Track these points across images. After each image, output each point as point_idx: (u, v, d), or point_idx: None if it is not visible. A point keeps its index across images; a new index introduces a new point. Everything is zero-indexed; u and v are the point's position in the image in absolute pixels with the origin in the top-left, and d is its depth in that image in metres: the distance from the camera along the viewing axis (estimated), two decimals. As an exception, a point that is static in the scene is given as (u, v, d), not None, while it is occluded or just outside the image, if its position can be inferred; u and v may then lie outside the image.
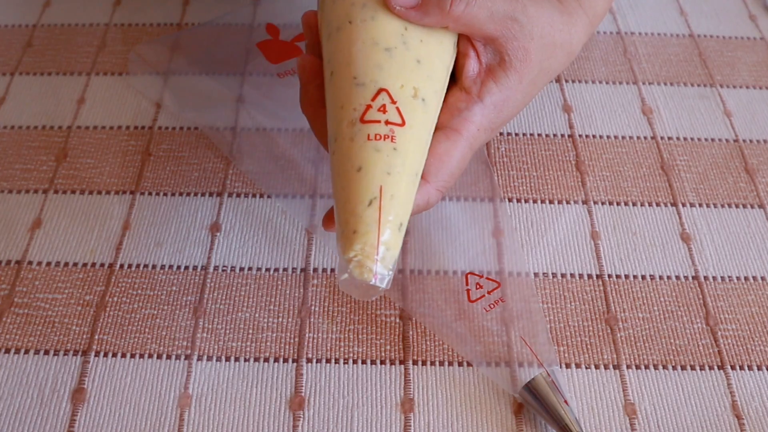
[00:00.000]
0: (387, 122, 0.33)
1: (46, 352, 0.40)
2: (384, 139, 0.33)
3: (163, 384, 0.38)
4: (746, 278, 0.43)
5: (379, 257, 0.31)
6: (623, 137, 0.50)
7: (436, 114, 0.35)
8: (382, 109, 0.33)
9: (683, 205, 0.46)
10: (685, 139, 0.50)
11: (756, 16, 0.60)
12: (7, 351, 0.40)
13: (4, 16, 0.58)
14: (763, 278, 0.43)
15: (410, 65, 0.34)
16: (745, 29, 0.59)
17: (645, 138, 0.50)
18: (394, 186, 0.32)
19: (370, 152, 0.32)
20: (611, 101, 0.52)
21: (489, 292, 0.41)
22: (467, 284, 0.41)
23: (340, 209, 0.32)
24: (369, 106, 0.33)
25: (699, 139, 0.50)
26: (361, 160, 0.32)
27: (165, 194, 0.46)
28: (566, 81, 0.53)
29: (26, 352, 0.40)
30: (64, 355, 0.39)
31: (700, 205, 0.47)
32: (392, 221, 0.32)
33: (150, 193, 0.46)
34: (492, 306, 0.40)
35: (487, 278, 0.41)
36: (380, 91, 0.33)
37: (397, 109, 0.33)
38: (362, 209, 0.31)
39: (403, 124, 0.33)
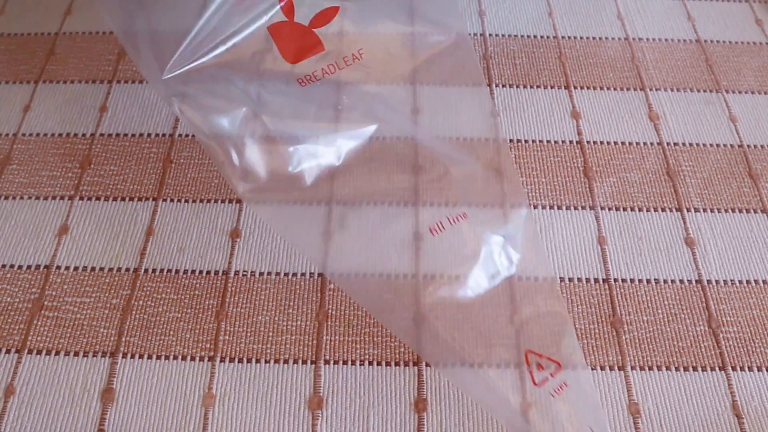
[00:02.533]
0: None
1: (76, 354, 0.41)
2: None
3: (187, 384, 0.40)
4: (748, 281, 0.45)
5: None
6: (630, 143, 0.51)
7: None
8: None
9: (688, 210, 0.48)
10: (690, 144, 0.52)
11: (762, 21, 0.61)
12: (39, 353, 0.42)
13: (26, 24, 0.60)
14: (764, 281, 0.45)
15: None
16: (751, 34, 0.60)
17: (651, 144, 0.51)
18: None
19: None
20: (619, 107, 0.54)
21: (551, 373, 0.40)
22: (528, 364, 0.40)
23: None
24: None
25: (704, 145, 0.52)
26: None
27: (186, 201, 0.48)
28: (575, 87, 0.55)
29: (57, 353, 0.42)
30: (93, 356, 0.41)
31: (705, 210, 0.48)
32: None
33: (172, 200, 0.48)
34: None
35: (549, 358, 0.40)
36: None
37: None
38: None
39: None
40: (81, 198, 0.48)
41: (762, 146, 0.52)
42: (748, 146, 0.52)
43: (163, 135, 0.52)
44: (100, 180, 0.49)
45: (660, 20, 0.61)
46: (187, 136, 0.51)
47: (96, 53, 0.58)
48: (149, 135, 0.52)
